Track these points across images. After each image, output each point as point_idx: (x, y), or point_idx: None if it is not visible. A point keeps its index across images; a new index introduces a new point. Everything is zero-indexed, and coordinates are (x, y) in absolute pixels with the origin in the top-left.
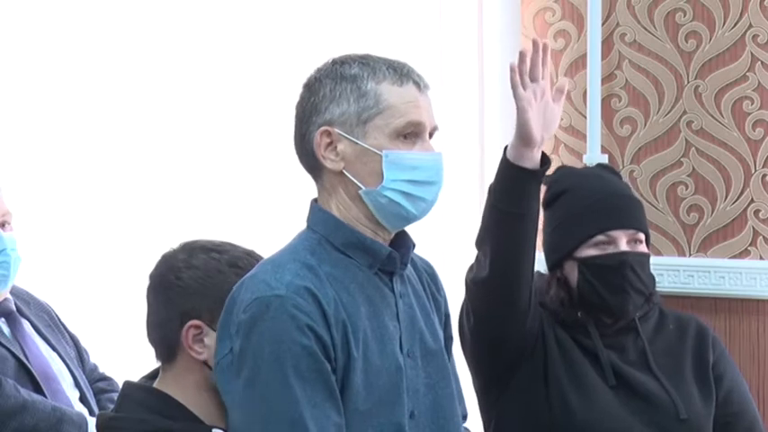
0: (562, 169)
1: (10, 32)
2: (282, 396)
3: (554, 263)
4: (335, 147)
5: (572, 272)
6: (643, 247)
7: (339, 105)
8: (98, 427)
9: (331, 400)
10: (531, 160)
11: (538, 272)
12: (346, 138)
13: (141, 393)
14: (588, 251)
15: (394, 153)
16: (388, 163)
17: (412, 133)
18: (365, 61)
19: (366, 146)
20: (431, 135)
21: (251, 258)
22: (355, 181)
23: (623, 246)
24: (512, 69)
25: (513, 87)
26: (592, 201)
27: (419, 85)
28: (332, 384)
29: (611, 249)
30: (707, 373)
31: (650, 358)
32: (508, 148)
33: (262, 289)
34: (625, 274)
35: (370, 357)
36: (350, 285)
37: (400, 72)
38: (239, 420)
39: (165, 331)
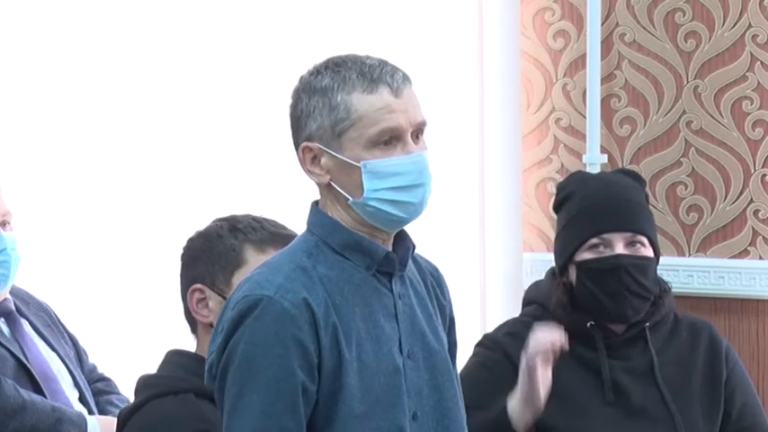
0: (574, 175)
1: (10, 32)
2: (240, 399)
3: (560, 268)
4: (319, 161)
5: (574, 276)
6: (645, 251)
7: (315, 120)
8: (138, 386)
9: (291, 413)
10: (525, 426)
11: (552, 268)
12: (326, 151)
13: (181, 357)
14: (584, 255)
15: (372, 163)
16: (367, 173)
17: (391, 138)
18: (337, 69)
19: (344, 159)
20: (420, 131)
21: (249, 219)
22: (343, 192)
23: (619, 249)
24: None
25: (530, 357)
26: (587, 204)
27: (392, 87)
28: (297, 397)
29: (607, 253)
30: (718, 388)
31: (657, 371)
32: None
33: (252, 288)
34: (620, 278)
35: (365, 359)
36: (344, 287)
37: (370, 78)
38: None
39: (184, 302)
